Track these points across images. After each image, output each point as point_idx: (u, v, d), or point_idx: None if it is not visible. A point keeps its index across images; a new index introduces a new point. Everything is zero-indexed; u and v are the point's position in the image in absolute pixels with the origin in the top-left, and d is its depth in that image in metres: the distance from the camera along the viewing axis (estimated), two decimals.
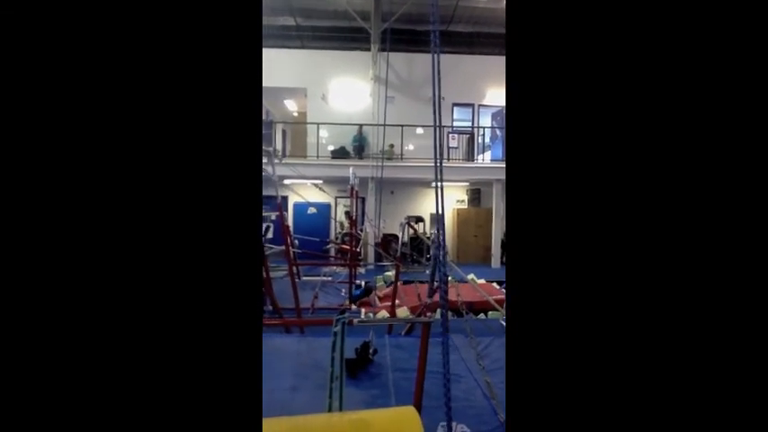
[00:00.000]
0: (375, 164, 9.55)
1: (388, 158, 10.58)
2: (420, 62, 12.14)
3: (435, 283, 2.55)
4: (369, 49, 11.25)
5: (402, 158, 11.61)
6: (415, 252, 10.79)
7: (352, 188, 7.11)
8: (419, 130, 11.74)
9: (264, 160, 5.15)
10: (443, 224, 2.42)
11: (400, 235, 6.36)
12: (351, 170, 7.14)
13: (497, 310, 4.72)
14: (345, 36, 12.54)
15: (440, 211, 2.38)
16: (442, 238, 2.41)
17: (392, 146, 11.25)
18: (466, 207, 13.31)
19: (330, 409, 2.44)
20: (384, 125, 9.37)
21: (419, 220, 11.78)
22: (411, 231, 11.75)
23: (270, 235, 6.91)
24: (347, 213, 10.39)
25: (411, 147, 12.03)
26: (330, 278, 8.76)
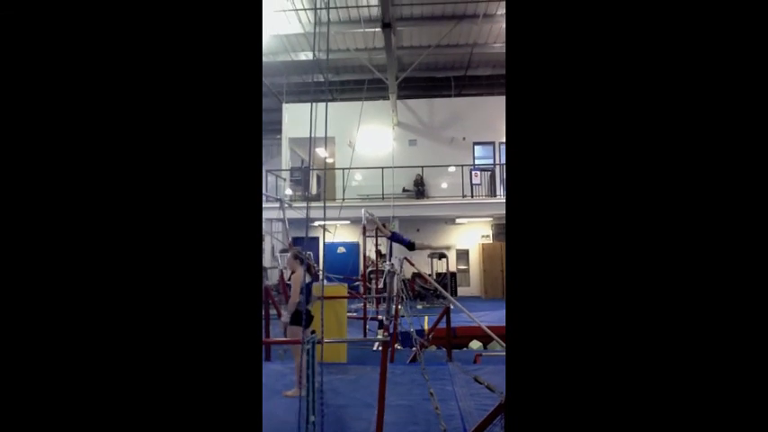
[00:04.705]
0: (395, 203, 10.14)
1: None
2: (440, 106, 12.83)
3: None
4: (388, 98, 12.07)
5: (427, 197, 12.13)
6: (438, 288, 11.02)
7: (365, 227, 7.68)
8: (446, 169, 12.26)
9: (302, 204, 5.81)
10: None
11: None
12: (363, 211, 7.72)
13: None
14: (369, 87, 13.52)
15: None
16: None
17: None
18: (491, 242, 13.49)
19: (307, 421, 2.87)
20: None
21: (442, 256, 12.09)
22: (436, 268, 12.04)
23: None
24: (378, 252, 10.89)
25: (437, 185, 12.54)
26: (355, 314, 9.21)
